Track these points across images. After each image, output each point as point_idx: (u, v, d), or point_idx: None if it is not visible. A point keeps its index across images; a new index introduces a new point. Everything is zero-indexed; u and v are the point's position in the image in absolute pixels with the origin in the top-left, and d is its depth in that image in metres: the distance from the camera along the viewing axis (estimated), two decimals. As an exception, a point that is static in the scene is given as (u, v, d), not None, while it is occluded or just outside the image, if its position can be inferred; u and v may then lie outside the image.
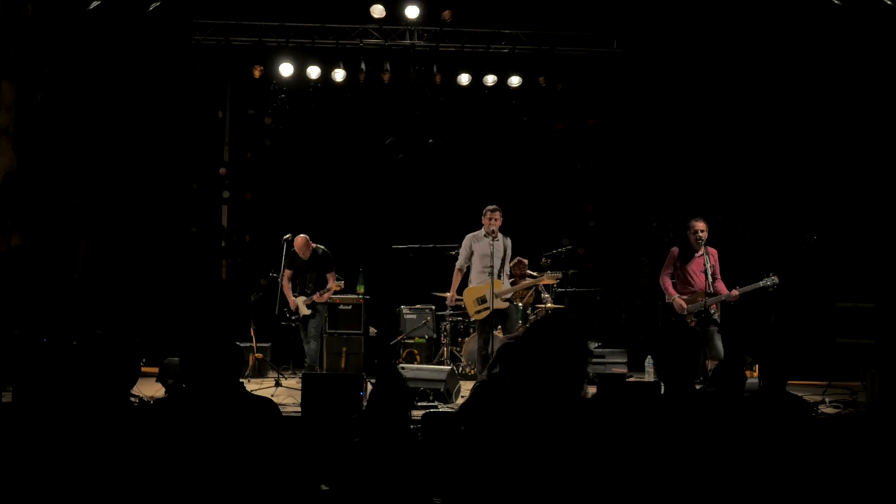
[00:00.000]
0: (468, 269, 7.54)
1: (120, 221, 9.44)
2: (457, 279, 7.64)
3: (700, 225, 6.96)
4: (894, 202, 8.37)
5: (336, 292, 8.22)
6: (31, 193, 7.99)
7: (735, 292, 6.79)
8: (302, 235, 8.13)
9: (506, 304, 7.34)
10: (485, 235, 7.33)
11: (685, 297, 6.97)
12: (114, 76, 9.08)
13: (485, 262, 7.31)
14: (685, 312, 6.91)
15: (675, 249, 7.12)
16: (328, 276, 8.08)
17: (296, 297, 8.11)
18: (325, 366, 8.61)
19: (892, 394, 6.14)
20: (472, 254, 7.47)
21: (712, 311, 6.86)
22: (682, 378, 2.80)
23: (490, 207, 7.38)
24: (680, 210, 7.24)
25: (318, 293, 8.02)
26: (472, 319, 7.71)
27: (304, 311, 8.04)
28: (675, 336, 2.85)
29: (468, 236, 7.55)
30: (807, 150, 9.15)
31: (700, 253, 6.95)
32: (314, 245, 8.14)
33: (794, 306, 8.99)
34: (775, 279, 6.72)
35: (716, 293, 6.83)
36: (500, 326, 8.05)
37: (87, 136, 8.88)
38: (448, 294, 7.78)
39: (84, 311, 8.31)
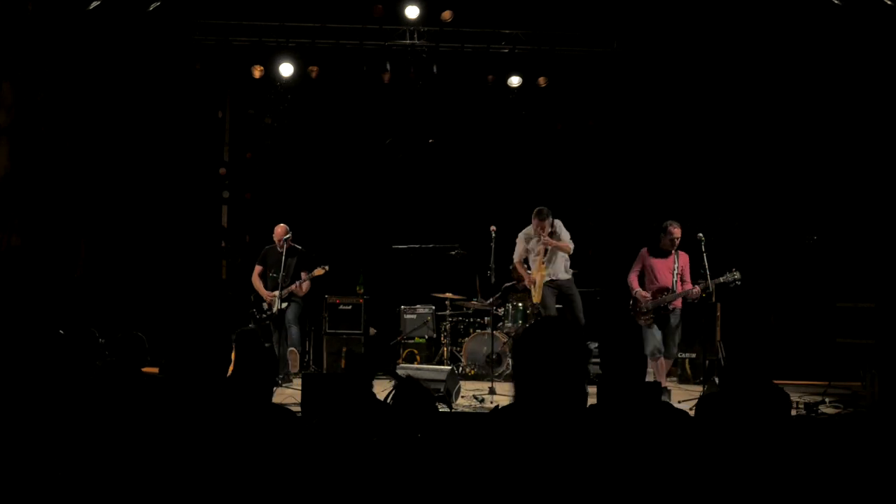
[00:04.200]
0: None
1: (120, 221, 9.43)
2: (520, 269, 7.93)
3: (677, 231, 7.07)
4: (894, 202, 8.38)
5: (325, 281, 8.15)
6: (31, 193, 7.99)
7: (696, 289, 6.90)
8: (281, 224, 8.03)
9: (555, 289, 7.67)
10: (534, 235, 7.69)
11: (649, 292, 7.11)
12: (114, 76, 9.08)
13: (535, 256, 7.70)
14: (647, 307, 7.05)
15: (645, 250, 7.28)
16: (302, 273, 7.99)
17: (269, 292, 8.01)
18: (325, 366, 8.61)
19: (892, 394, 6.14)
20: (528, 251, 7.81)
21: (671, 309, 7.01)
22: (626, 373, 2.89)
23: (537, 214, 7.69)
24: (680, 209, 7.25)
25: (295, 284, 7.92)
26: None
27: (279, 306, 7.89)
28: (619, 331, 2.96)
29: (520, 234, 7.88)
30: (807, 151, 9.15)
31: (671, 255, 7.09)
32: (292, 243, 8.05)
33: (794, 306, 9.00)
34: (737, 275, 6.79)
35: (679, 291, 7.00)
36: (499, 326, 8.08)
37: (87, 135, 8.88)
38: (524, 280, 7.97)
39: (84, 310, 8.31)
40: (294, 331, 7.96)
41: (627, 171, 10.06)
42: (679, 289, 7.01)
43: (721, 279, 6.83)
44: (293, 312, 7.99)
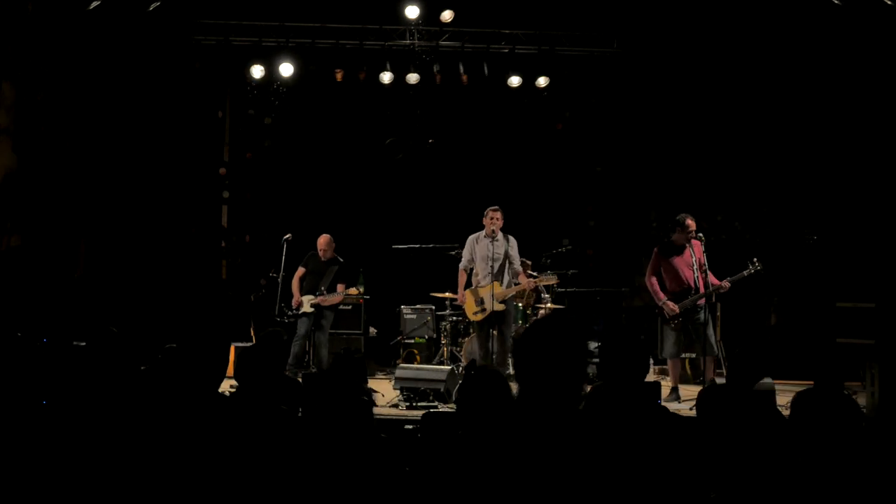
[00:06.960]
0: (472, 269, 7.57)
1: (120, 221, 9.43)
2: (462, 278, 7.63)
3: (693, 223, 6.97)
4: (894, 202, 8.37)
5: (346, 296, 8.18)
6: (31, 193, 7.99)
7: (726, 283, 6.83)
8: (325, 234, 8.08)
9: (502, 307, 7.37)
10: (485, 236, 7.38)
11: (674, 295, 6.98)
12: (114, 76, 9.08)
13: (485, 265, 7.35)
14: (676, 313, 6.92)
15: (656, 250, 7.15)
16: (339, 285, 7.99)
17: (302, 296, 8.06)
18: (324, 366, 8.61)
19: (892, 394, 6.13)
20: (473, 256, 7.50)
21: (699, 308, 6.88)
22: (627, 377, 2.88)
23: (491, 208, 7.42)
24: (680, 210, 7.24)
25: (325, 296, 7.92)
26: (469, 320, 7.75)
27: (307, 308, 7.95)
28: (620, 338, 2.95)
29: (470, 237, 7.58)
30: (807, 150, 9.15)
31: (686, 249, 6.97)
32: (335, 254, 8.09)
33: (794, 306, 9.00)
34: (758, 266, 6.73)
35: (705, 287, 6.83)
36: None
37: (87, 135, 8.87)
38: (457, 294, 7.77)
39: (84, 310, 8.30)
40: (324, 353, 7.97)
41: (627, 172, 10.06)
42: (702, 283, 6.83)
43: (745, 273, 6.76)
44: (324, 332, 8.01)
